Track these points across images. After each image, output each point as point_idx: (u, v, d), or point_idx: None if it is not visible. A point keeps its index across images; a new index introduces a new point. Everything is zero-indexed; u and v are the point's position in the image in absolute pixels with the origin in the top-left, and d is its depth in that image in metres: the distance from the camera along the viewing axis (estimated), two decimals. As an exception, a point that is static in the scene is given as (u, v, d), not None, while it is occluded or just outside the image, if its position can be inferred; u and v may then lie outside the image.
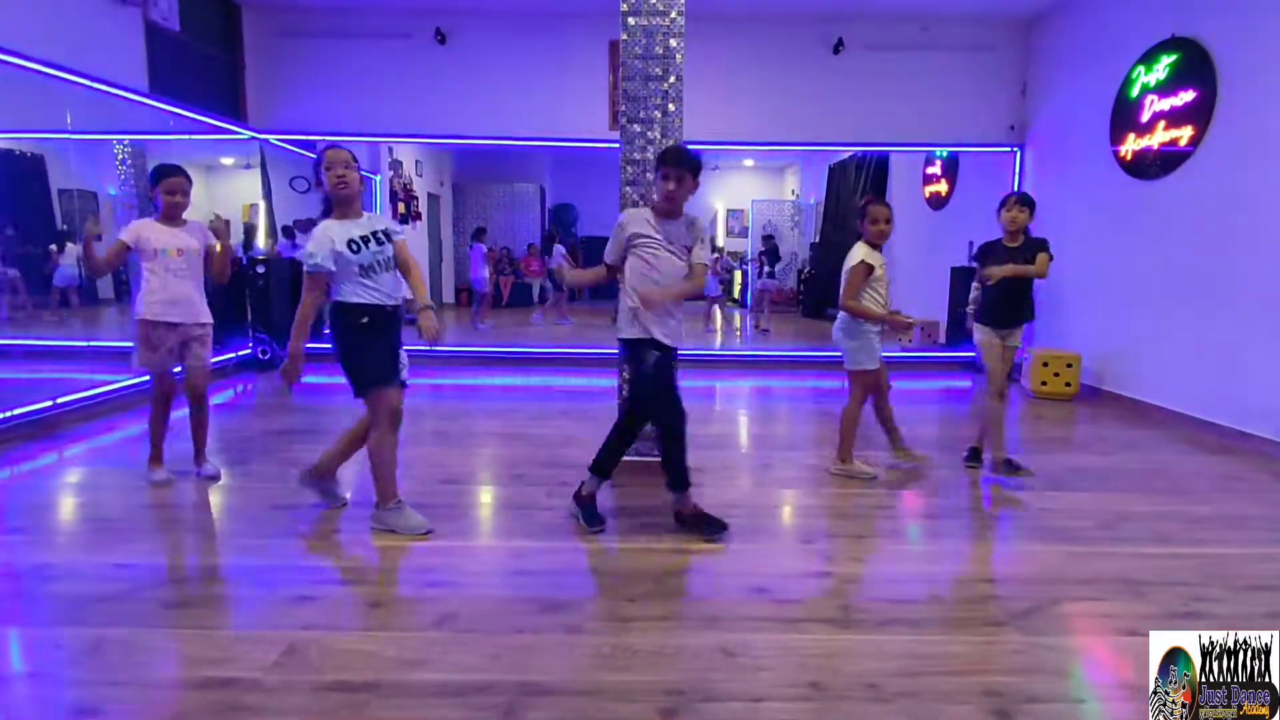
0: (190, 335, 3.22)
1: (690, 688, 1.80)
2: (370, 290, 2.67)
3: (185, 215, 3.24)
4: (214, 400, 5.03)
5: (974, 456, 3.72)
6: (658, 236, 2.71)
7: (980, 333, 3.56)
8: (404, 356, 2.85)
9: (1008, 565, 2.63)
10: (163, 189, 3.11)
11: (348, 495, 3.09)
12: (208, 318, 3.27)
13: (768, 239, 10.62)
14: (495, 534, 2.87)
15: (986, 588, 2.42)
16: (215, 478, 3.32)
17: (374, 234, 2.70)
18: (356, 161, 2.72)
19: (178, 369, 3.25)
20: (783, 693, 1.78)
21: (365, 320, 2.67)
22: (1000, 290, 3.43)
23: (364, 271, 2.66)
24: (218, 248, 3.28)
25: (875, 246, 3.38)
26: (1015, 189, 6.78)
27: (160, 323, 3.13)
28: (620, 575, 2.44)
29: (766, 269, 9.86)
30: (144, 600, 2.21)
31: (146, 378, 3.28)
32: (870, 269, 3.33)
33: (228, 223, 3.35)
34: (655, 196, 2.81)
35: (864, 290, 3.35)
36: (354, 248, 2.63)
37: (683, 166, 2.67)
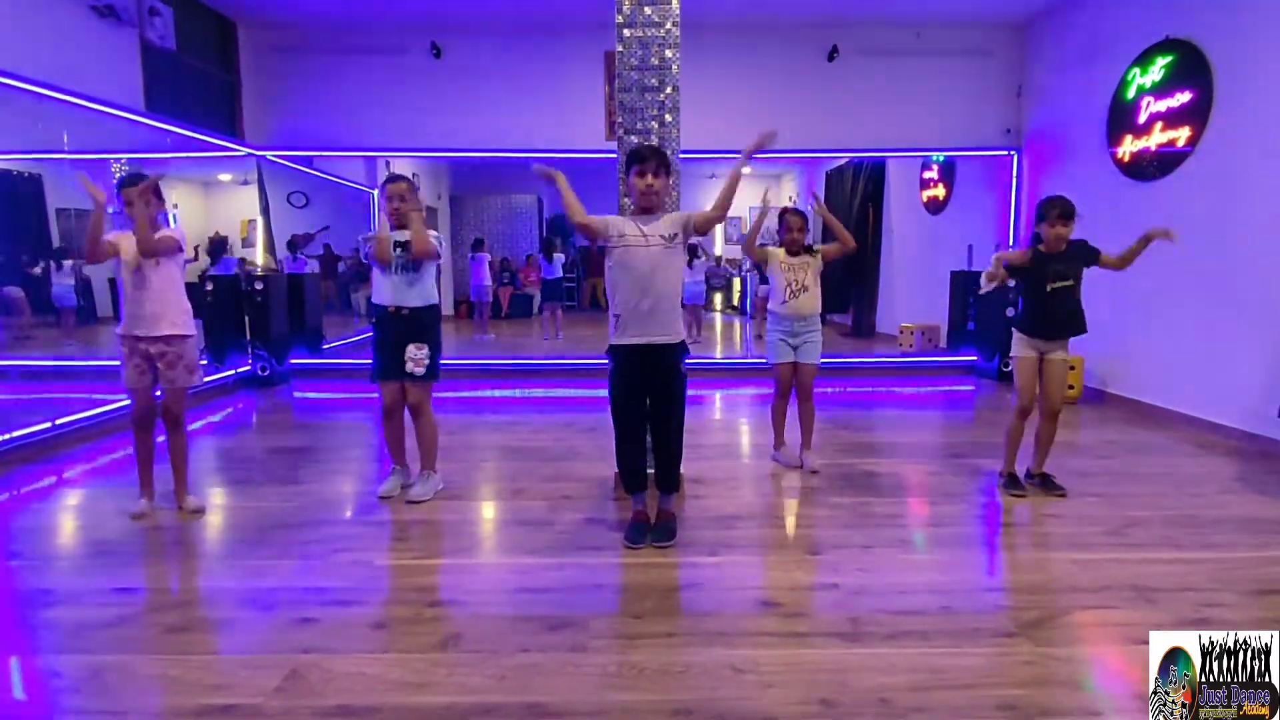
0: (156, 350, 2.98)
1: (698, 706, 1.77)
2: None
3: (178, 225, 3.13)
4: (210, 420, 5.05)
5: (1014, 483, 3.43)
6: None
7: (1016, 344, 3.39)
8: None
9: (1017, 574, 2.61)
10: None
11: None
12: (177, 329, 2.98)
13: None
14: (498, 551, 2.84)
15: (996, 597, 2.39)
16: (199, 512, 3.11)
17: None
18: None
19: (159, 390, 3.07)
20: (793, 710, 1.75)
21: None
22: (1043, 297, 3.26)
23: None
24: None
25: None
26: (1014, 193, 6.79)
27: (128, 336, 2.97)
28: (625, 591, 2.42)
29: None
30: (144, 625, 2.19)
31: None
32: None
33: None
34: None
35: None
36: None
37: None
